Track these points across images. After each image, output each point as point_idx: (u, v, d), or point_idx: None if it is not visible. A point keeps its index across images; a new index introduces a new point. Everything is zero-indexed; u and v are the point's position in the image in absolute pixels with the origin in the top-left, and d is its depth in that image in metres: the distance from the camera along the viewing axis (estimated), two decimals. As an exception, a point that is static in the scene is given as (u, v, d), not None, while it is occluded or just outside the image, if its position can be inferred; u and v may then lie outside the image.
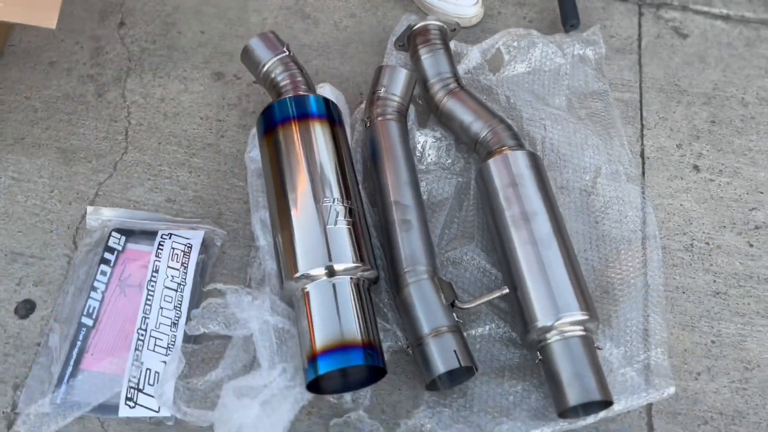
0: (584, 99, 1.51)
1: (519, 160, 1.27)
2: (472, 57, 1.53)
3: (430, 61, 1.43)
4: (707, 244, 1.36)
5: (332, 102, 1.33)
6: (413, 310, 1.17)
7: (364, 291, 1.14)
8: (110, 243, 1.30)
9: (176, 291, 1.24)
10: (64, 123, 1.47)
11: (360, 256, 1.14)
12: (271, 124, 1.26)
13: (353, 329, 1.08)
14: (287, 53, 1.37)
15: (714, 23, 1.67)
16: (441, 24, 1.47)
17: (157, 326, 1.21)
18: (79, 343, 1.19)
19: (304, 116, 1.26)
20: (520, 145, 1.32)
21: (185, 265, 1.27)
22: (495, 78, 1.51)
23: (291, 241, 1.14)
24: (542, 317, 1.12)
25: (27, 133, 1.45)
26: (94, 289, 1.25)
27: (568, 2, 1.58)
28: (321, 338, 1.07)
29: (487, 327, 1.23)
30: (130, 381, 1.15)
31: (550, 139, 1.44)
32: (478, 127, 1.35)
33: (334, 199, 1.17)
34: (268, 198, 1.23)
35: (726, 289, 1.31)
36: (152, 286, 1.25)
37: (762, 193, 1.42)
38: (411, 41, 1.49)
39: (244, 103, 1.52)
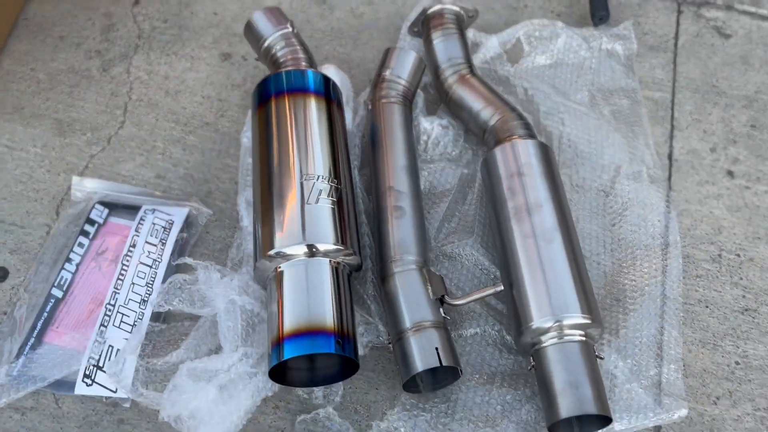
0: (609, 95, 1.39)
1: (527, 148, 1.16)
2: (489, 46, 1.43)
3: (443, 46, 1.34)
4: (738, 255, 1.21)
5: (332, 81, 1.25)
6: (396, 301, 1.06)
7: (343, 277, 1.05)
8: (92, 215, 1.24)
9: (150, 267, 1.17)
10: (64, 95, 1.44)
11: (342, 238, 1.04)
12: (265, 96, 1.19)
13: (325, 314, 0.98)
14: (290, 29, 1.31)
15: (761, 24, 1.53)
16: (457, 9, 1.39)
17: (126, 302, 1.14)
18: (45, 314, 1.13)
19: (299, 90, 1.19)
20: (531, 136, 1.21)
21: (164, 241, 1.20)
22: (513, 69, 1.41)
23: (268, 217, 1.06)
24: (538, 317, 1.00)
25: (27, 103, 1.43)
26: (69, 260, 1.19)
27: (599, -7, 1.47)
28: (289, 321, 0.97)
29: (480, 328, 1.12)
30: (90, 358, 1.08)
31: (567, 135, 1.33)
32: (487, 114, 1.25)
33: (318, 176, 1.08)
34: (253, 173, 1.15)
35: (756, 306, 1.16)
36: (127, 261, 1.18)
37: (805, 205, 1.27)
38: (425, 26, 1.40)
39: (248, 84, 1.46)
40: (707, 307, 1.16)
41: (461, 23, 1.39)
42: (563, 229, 1.08)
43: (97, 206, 1.25)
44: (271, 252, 1.02)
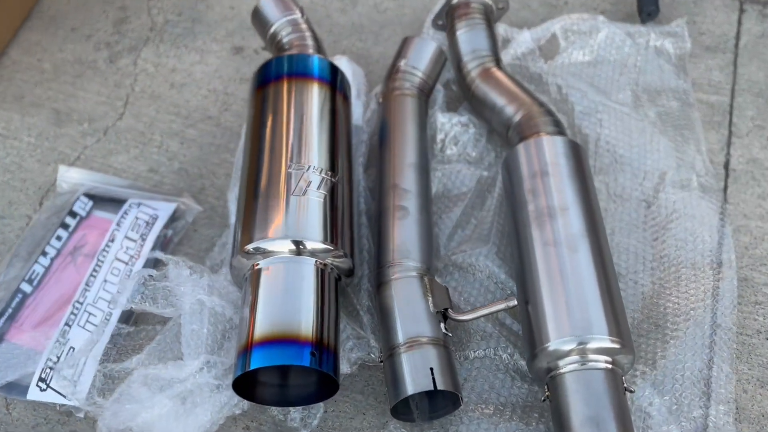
0: (656, 96, 1.22)
1: (554, 145, 1.01)
2: (521, 41, 1.29)
3: (467, 37, 1.21)
4: (807, 281, 1.02)
5: (341, 71, 1.13)
6: (390, 312, 0.92)
7: (329, 281, 0.91)
8: (75, 207, 1.14)
9: (126, 264, 1.06)
10: (67, 85, 1.37)
11: (332, 237, 0.91)
12: (264, 80, 1.08)
13: (302, 321, 0.84)
14: (299, 15, 1.20)
15: (838, 25, 1.34)
16: (485, -1, 1.26)
17: (95, 301, 1.02)
18: (9, 310, 1.03)
19: (301, 75, 1.07)
20: (560, 133, 1.06)
21: (144, 237, 1.09)
22: (546, 66, 1.26)
23: (249, 209, 0.93)
24: (556, 338, 0.83)
25: (28, 92, 1.36)
26: (44, 254, 1.09)
27: (647, -14, 1.32)
28: (261, 326, 0.84)
29: (490, 350, 0.96)
30: (48, 359, 0.97)
31: (605, 137, 1.17)
32: (512, 110, 1.10)
33: (309, 167, 0.95)
34: (242, 162, 1.03)
35: (830, 342, 0.96)
36: (103, 256, 1.07)
37: None
38: (449, 17, 1.27)
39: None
40: (768, 339, 0.97)
41: (489, 15, 1.26)
42: (592, 236, 0.91)
43: (82, 198, 1.16)
44: (249, 247, 0.89)
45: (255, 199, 0.93)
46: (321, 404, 0.91)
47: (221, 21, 1.47)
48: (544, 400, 0.86)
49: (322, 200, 0.93)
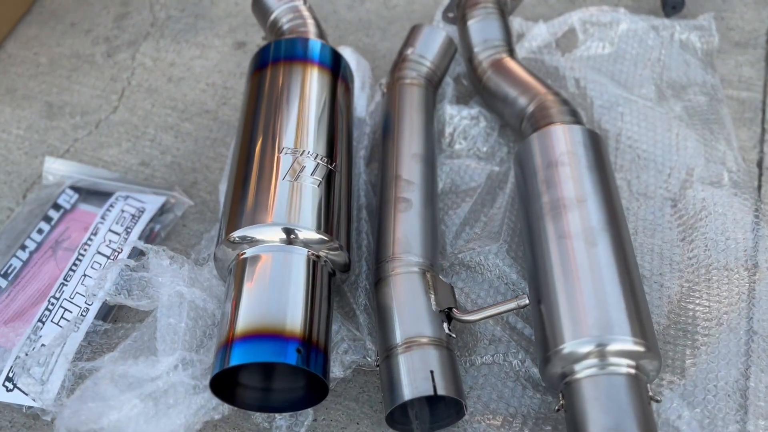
0: (682, 91, 1.14)
1: (571, 134, 0.92)
2: (537, 34, 1.21)
3: (478, 26, 1.14)
4: None
5: (343, 58, 1.06)
6: (388, 310, 0.83)
7: (322, 274, 0.83)
8: (60, 200, 1.08)
9: (108, 258, 0.99)
10: (62, 79, 1.31)
11: (326, 227, 0.83)
12: (261, 64, 1.01)
13: (288, 315, 0.76)
14: (302, 1, 1.14)
15: None
16: (499, -12, 1.19)
17: (72, 296, 0.95)
18: (-19, 305, 0.96)
19: (301, 59, 1.00)
20: (578, 122, 0.97)
21: (129, 230, 1.02)
22: (564, 59, 1.19)
23: (238, 195, 0.86)
24: (572, 339, 0.74)
25: (22, 85, 1.31)
26: (23, 247, 1.02)
27: (671, -22, 1.24)
28: (243, 319, 0.75)
29: (499, 356, 0.86)
30: (17, 357, 0.89)
31: (627, 133, 1.08)
32: (525, 100, 1.03)
33: (304, 151, 0.88)
34: (233, 148, 0.96)
35: None
36: (85, 249, 1.00)
37: None
38: (460, 9, 1.21)
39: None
40: (811, 349, 0.86)
41: (503, 5, 1.19)
42: (613, 230, 0.82)
43: (68, 191, 1.09)
44: (234, 235, 0.81)
45: (243, 184, 0.86)
46: (310, 411, 0.82)
47: (225, 17, 1.41)
48: (558, 410, 0.76)
49: (316, 187, 0.85)
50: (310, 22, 1.12)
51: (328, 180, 0.88)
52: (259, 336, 0.74)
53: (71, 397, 0.75)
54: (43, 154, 1.18)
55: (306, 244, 0.82)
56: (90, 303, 0.90)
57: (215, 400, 0.78)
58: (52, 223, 1.06)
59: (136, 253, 0.97)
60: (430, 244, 0.90)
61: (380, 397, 0.85)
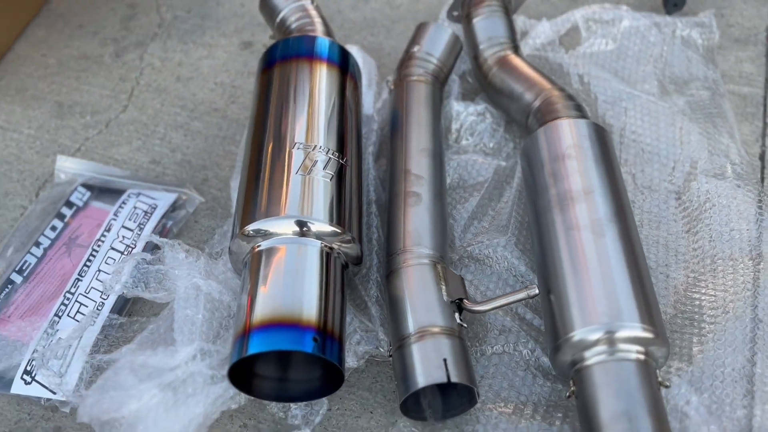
0: (684, 86, 1.16)
1: (577, 128, 0.94)
2: (540, 31, 1.23)
3: (483, 24, 1.15)
4: None
5: (352, 56, 1.08)
6: (401, 301, 0.84)
7: (335, 266, 0.84)
8: (72, 198, 1.09)
9: (122, 253, 1.00)
10: (71, 79, 1.33)
11: (338, 220, 0.84)
12: (270, 62, 1.03)
13: (304, 305, 0.77)
14: (309, 0, 1.16)
15: None
16: (503, -14, 1.21)
17: (87, 291, 0.96)
18: (-2, 301, 0.97)
19: (309, 56, 1.02)
20: (583, 117, 0.99)
21: (142, 226, 1.03)
22: (567, 56, 1.20)
23: (251, 189, 0.87)
24: (581, 326, 0.76)
25: (31, 86, 1.32)
26: (37, 244, 1.04)
27: (672, -24, 1.26)
28: (261, 309, 0.77)
29: (509, 346, 0.88)
30: (35, 351, 0.90)
31: (631, 127, 1.10)
32: (530, 96, 1.04)
33: (316, 146, 0.89)
34: (245, 144, 0.98)
35: None
36: (99, 246, 1.02)
37: None
38: (465, 7, 1.22)
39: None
40: (815, 337, 0.88)
41: (507, 4, 1.21)
42: (620, 221, 0.84)
43: (80, 188, 1.11)
44: (249, 228, 0.83)
45: (256, 179, 0.88)
46: (325, 401, 0.83)
47: (231, 17, 1.43)
48: (568, 397, 0.78)
49: (329, 180, 0.87)
50: (318, 20, 1.14)
51: (339, 174, 0.89)
52: (276, 325, 0.75)
53: (92, 387, 0.76)
54: (54, 153, 1.19)
55: (319, 236, 0.84)
56: (107, 296, 0.91)
57: (232, 390, 0.79)
58: (65, 220, 1.07)
59: (150, 248, 0.99)
60: (440, 237, 0.91)
61: (393, 387, 0.87)
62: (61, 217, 1.07)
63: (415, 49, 1.13)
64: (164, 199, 1.07)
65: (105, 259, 1.00)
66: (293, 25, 1.13)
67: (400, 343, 0.81)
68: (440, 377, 0.76)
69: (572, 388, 0.77)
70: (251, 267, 0.82)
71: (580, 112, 1.00)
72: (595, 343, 0.75)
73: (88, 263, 1.00)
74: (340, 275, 0.85)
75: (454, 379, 0.76)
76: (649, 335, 0.75)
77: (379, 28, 1.37)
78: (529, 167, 0.96)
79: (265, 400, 0.82)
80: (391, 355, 0.83)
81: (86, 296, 0.96)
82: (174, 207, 1.07)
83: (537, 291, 0.83)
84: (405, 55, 1.14)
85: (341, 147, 0.92)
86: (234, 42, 1.38)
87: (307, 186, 0.85)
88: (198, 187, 1.12)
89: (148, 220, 1.04)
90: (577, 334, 0.76)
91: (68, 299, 0.96)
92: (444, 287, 0.85)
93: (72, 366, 0.88)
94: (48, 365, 0.87)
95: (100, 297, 0.95)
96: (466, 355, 0.81)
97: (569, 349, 0.77)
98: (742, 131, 1.12)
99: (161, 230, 1.04)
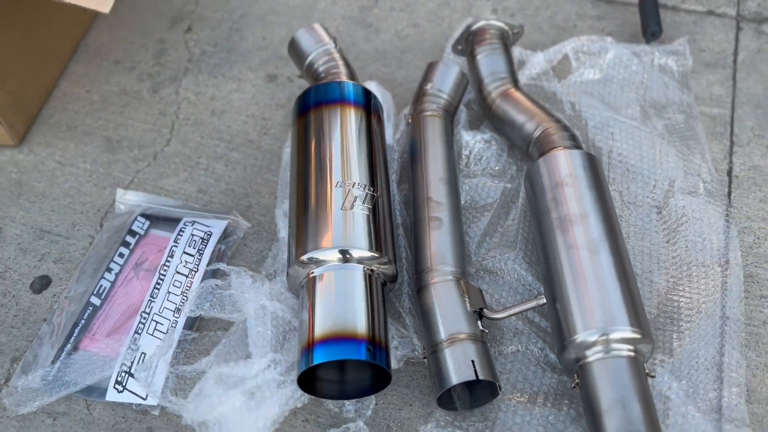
0: (662, 110, 1.33)
1: (572, 158, 1.11)
2: (535, 63, 1.40)
3: (486, 61, 1.32)
4: (807, 275, 1.12)
5: (373, 94, 1.24)
6: (432, 312, 1.02)
7: (377, 285, 1.01)
8: (134, 227, 1.25)
9: (186, 277, 1.17)
10: (116, 115, 1.48)
11: (377, 245, 1.01)
12: (304, 108, 1.19)
13: (357, 321, 0.95)
14: (333, 45, 1.31)
15: (827, 40, 1.45)
16: (502, 24, 1.37)
17: (161, 311, 1.13)
18: (82, 322, 1.13)
19: (338, 101, 1.18)
20: (577, 147, 1.16)
21: (201, 251, 1.20)
22: (560, 85, 1.37)
23: (302, 223, 1.04)
24: (582, 330, 0.94)
25: (80, 122, 1.47)
26: (108, 270, 1.20)
27: (650, 8, 1.43)
28: (320, 326, 0.94)
29: (522, 345, 1.06)
30: (122, 364, 1.07)
31: (617, 150, 1.27)
32: (531, 127, 1.21)
33: (354, 183, 1.06)
34: (290, 183, 1.14)
35: (829, 330, 1.06)
36: (165, 270, 1.18)
37: None
38: (468, 42, 1.39)
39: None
40: (773, 329, 1.07)
41: (506, 39, 1.37)
42: (611, 240, 1.02)
43: (139, 218, 1.26)
44: (304, 257, 1.00)
45: (305, 214, 1.04)
46: (372, 397, 1.01)
47: (254, 51, 1.58)
48: (573, 387, 0.96)
49: (367, 213, 1.04)
50: (341, 63, 1.30)
51: (374, 206, 1.06)
52: (335, 339, 0.93)
53: (191, 395, 0.93)
54: (110, 185, 1.35)
55: (360, 261, 1.01)
56: (180, 317, 1.08)
57: (299, 392, 0.96)
58: (130, 247, 1.23)
59: (209, 275, 1.15)
60: (460, 255, 1.09)
61: (427, 384, 1.04)
62: (126, 244, 1.23)
63: (428, 86, 1.29)
64: (217, 226, 1.23)
65: (172, 281, 1.16)
66: (320, 69, 1.29)
67: (433, 348, 0.99)
68: (470, 375, 0.94)
69: (576, 380, 0.95)
70: (308, 290, 0.99)
71: (574, 141, 1.17)
72: (594, 343, 0.93)
73: (158, 286, 1.16)
74: (381, 292, 1.02)
75: (481, 376, 0.94)
76: (637, 336, 0.93)
77: (390, 59, 1.53)
78: (533, 192, 1.13)
79: (325, 398, 0.99)
80: (425, 357, 1.01)
81: (160, 315, 1.12)
82: (225, 234, 1.23)
83: (545, 300, 1.01)
84: (419, 91, 1.30)
85: (372, 180, 1.09)
86: (260, 75, 1.53)
87: (349, 219, 1.02)
88: (243, 213, 1.28)
89: (205, 246, 1.20)
90: (579, 337, 0.94)
91: (144, 318, 1.12)
92: (467, 299, 1.02)
93: (156, 376, 1.05)
94: (137, 376, 1.03)
95: (173, 315, 1.12)
96: (489, 356, 0.98)
97: (573, 348, 0.95)
98: (712, 149, 1.29)
99: (218, 254, 1.20)
